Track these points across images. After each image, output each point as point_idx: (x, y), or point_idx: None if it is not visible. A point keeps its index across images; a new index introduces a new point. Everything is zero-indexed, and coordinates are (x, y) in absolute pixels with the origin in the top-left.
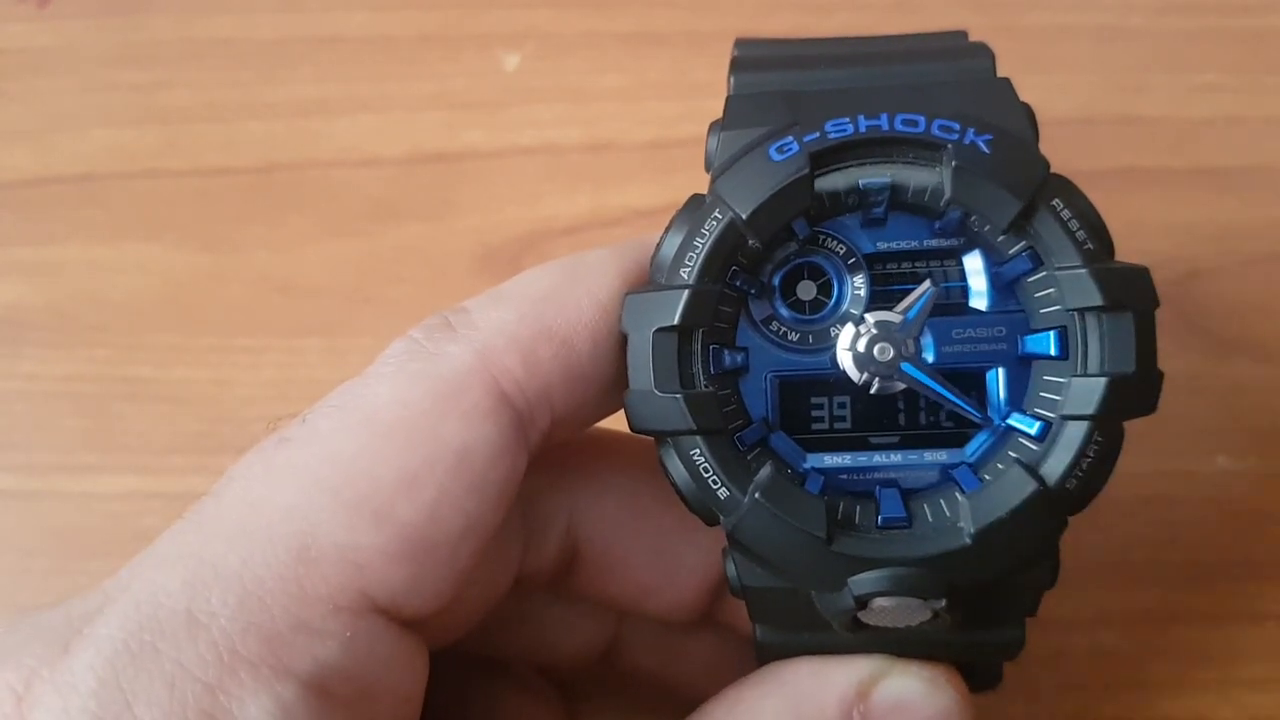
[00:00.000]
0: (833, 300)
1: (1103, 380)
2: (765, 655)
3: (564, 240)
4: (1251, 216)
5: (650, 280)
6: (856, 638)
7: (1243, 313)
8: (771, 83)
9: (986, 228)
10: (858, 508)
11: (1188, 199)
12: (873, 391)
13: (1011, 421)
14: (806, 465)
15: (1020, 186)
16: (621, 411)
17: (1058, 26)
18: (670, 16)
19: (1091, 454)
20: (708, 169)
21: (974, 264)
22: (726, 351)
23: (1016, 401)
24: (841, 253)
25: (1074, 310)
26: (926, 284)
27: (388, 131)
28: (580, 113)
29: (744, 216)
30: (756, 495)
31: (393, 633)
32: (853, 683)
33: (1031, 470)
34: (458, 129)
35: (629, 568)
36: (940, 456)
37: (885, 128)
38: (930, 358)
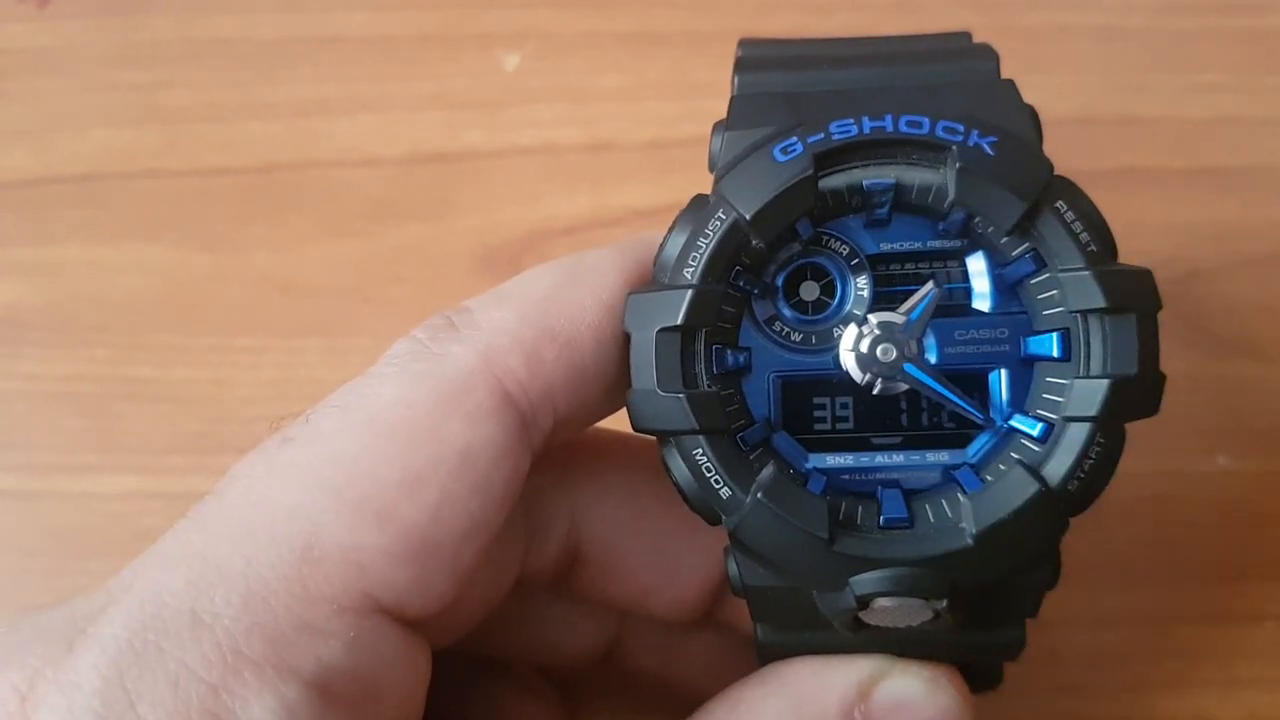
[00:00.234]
0: (836, 301)
1: (1105, 382)
2: (766, 655)
3: (564, 240)
4: (1251, 216)
5: (653, 280)
6: (858, 637)
7: (1243, 313)
8: (775, 83)
9: (990, 229)
10: (860, 508)
11: (1188, 199)
12: (875, 392)
13: (1014, 423)
14: (809, 465)
15: (1024, 188)
16: (623, 410)
17: (1058, 26)
18: (670, 16)
19: (1093, 456)
20: (711, 169)
21: (977, 265)
22: (729, 351)
23: (1019, 403)
24: (845, 253)
25: (1077, 312)
26: (930, 285)
27: (388, 131)
28: (580, 113)
29: (748, 217)
30: (759, 495)
31: (396, 633)
32: (854, 683)
33: (1033, 471)
34: (458, 129)
35: (631, 568)
36: (942, 457)
37: (889, 129)
38: (933, 359)
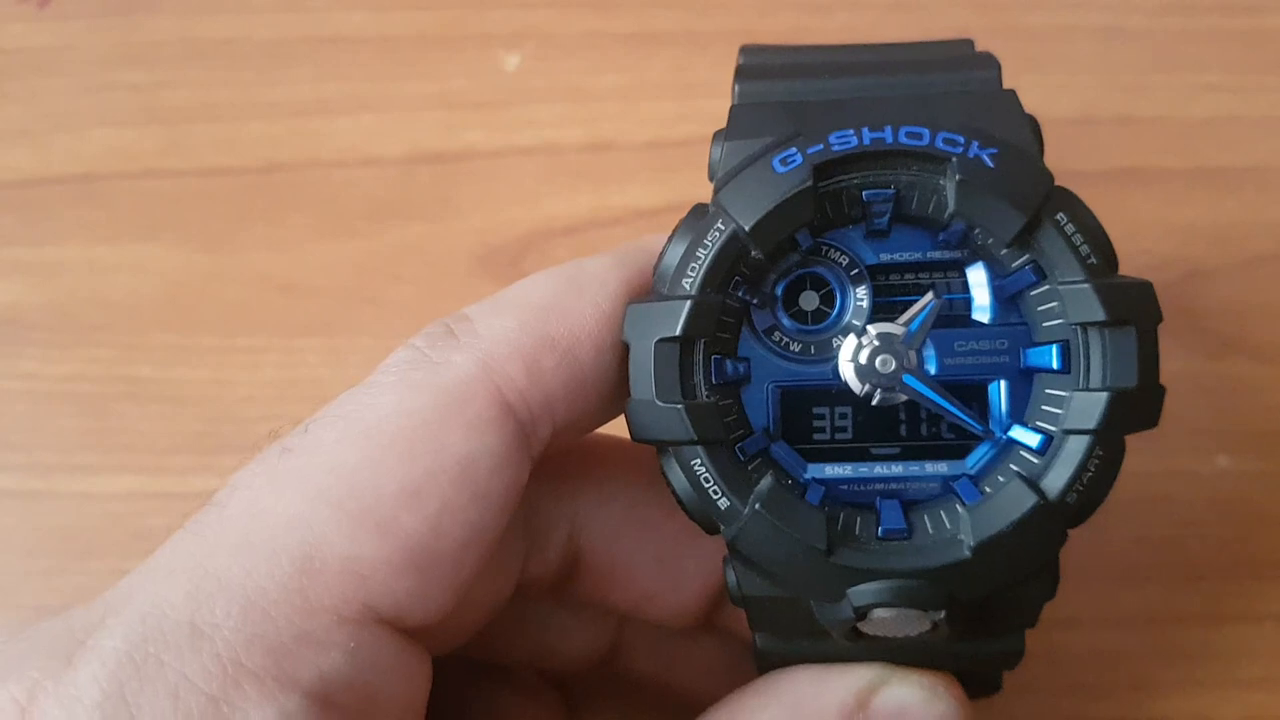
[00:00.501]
0: (835, 311)
1: (1104, 395)
2: (765, 663)
3: (564, 240)
4: (1251, 216)
5: (653, 290)
6: (856, 646)
7: (1243, 313)
8: (776, 91)
9: (990, 241)
10: (858, 519)
11: (1188, 199)
12: (874, 403)
13: (1013, 434)
14: (807, 476)
15: (1024, 201)
16: (622, 417)
17: (1058, 26)
18: (670, 16)
19: (1092, 468)
20: (711, 178)
21: (977, 276)
22: (729, 361)
23: (1018, 414)
24: (844, 264)
25: (1076, 325)
26: (929, 296)
27: (388, 131)
28: (580, 113)
29: (746, 228)
30: (757, 506)
31: (396, 643)
32: (852, 692)
33: (1032, 484)
34: (458, 129)
35: (631, 575)
36: (941, 468)
37: (889, 140)
38: (932, 369)
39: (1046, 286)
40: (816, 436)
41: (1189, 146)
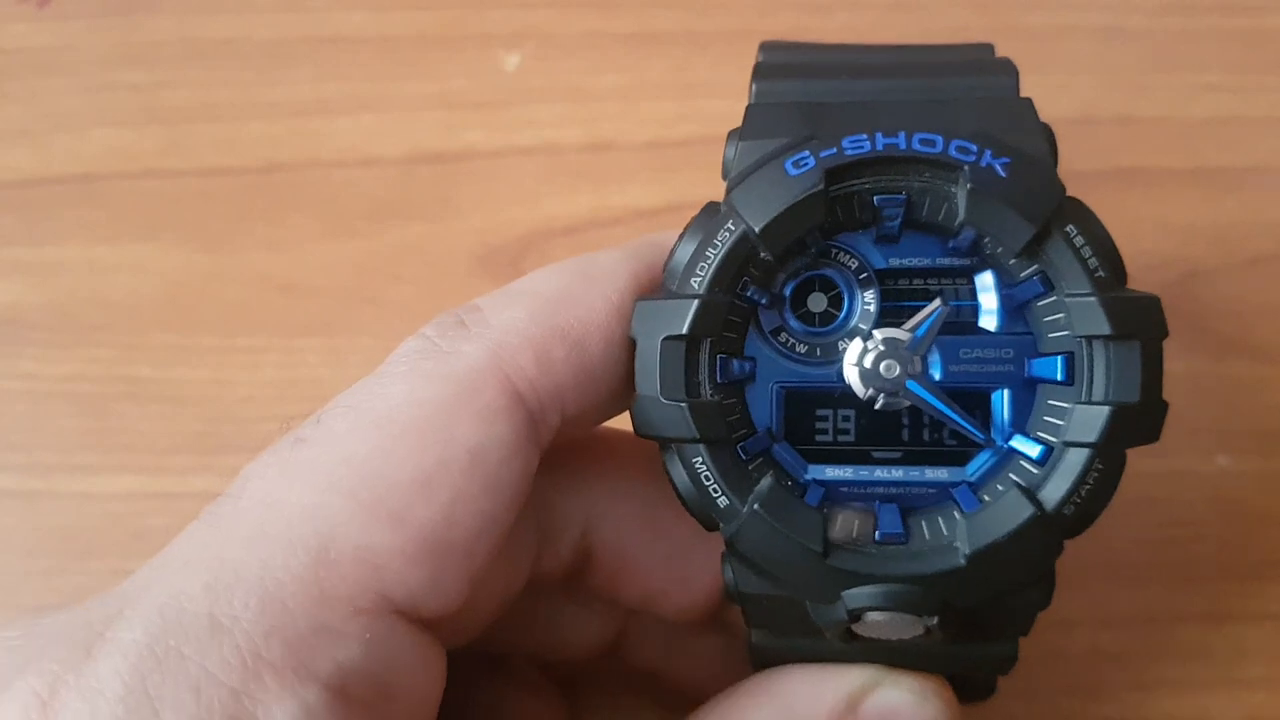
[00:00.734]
0: (842, 314)
1: (1106, 409)
2: (760, 659)
3: (564, 240)
4: (1251, 216)
5: (662, 286)
6: (850, 646)
7: (1243, 313)
8: (792, 91)
9: (999, 250)
10: (856, 522)
11: (1188, 199)
12: (877, 407)
13: (1014, 443)
14: (808, 476)
15: (1034, 211)
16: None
17: (1058, 26)
18: (670, 16)
19: (1091, 481)
20: (725, 177)
21: (985, 284)
22: (734, 361)
23: (1020, 423)
24: (854, 267)
25: (1082, 337)
26: (937, 302)
27: (388, 131)
28: (580, 113)
29: (757, 230)
30: (755, 506)
31: (411, 634)
32: (843, 695)
33: (1030, 494)
34: (458, 129)
35: (643, 571)
36: (941, 474)
37: (902, 146)
38: (937, 375)
39: (1053, 298)
40: (819, 438)
41: (1189, 146)
